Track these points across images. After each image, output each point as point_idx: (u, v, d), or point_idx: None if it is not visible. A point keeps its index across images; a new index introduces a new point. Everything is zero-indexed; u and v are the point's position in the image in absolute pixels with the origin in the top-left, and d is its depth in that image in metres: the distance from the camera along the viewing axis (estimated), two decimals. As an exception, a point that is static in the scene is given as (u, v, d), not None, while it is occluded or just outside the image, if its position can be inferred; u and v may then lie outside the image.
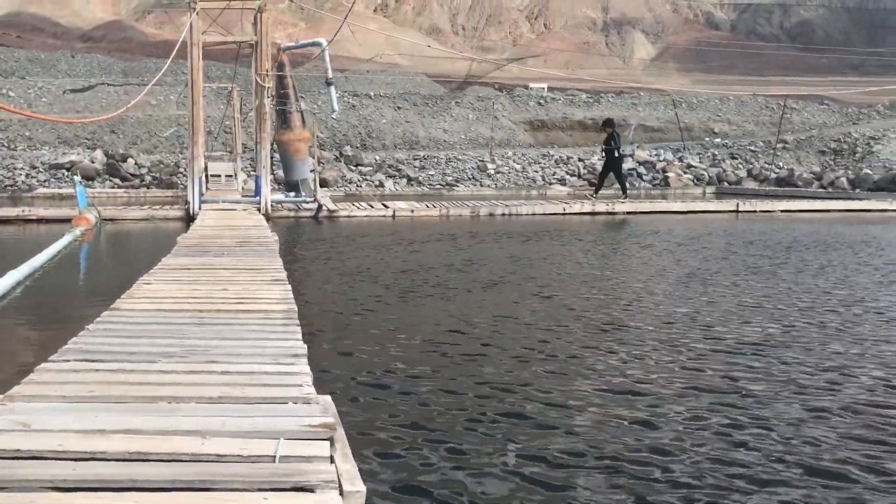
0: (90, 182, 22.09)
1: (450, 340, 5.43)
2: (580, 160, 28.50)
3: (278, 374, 3.47)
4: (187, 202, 14.58)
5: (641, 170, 27.98)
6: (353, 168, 26.34)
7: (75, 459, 2.47)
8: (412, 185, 25.54)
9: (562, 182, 26.89)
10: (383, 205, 16.28)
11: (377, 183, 25.05)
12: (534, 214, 16.11)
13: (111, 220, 14.06)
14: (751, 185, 26.00)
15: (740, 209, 17.24)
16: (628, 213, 16.55)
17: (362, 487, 2.42)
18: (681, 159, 29.03)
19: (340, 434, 2.83)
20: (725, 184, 26.56)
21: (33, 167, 24.05)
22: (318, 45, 16.93)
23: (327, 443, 2.67)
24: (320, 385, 3.54)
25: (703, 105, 38.04)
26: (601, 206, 16.77)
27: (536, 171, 27.98)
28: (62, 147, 26.84)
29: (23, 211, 14.35)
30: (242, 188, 20.07)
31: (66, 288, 8.21)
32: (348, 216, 15.20)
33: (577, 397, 4.19)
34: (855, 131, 30.42)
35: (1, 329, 6.10)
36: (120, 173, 23.89)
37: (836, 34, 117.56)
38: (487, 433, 3.65)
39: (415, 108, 33.99)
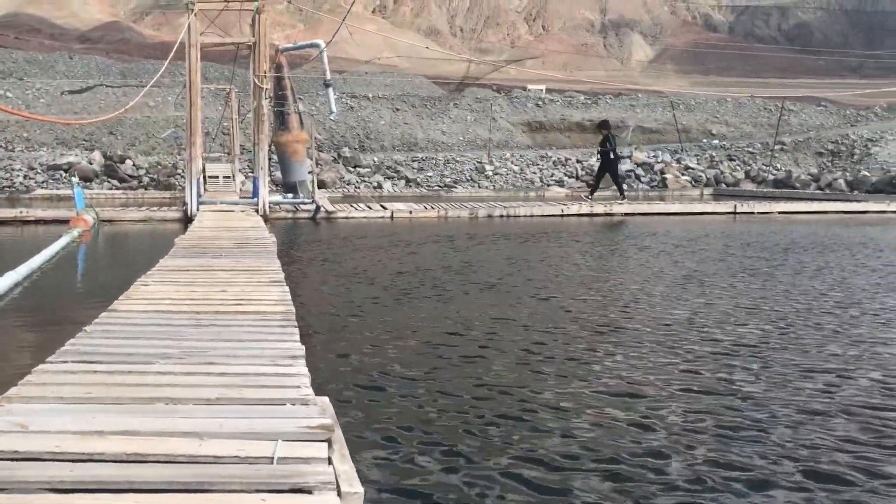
0: (88, 183, 22.07)
1: (447, 342, 5.43)
2: (578, 162, 28.52)
3: (276, 376, 3.47)
4: (185, 203, 14.57)
5: (639, 171, 28.00)
6: (352, 169, 26.33)
7: (73, 461, 2.46)
8: (410, 186, 25.54)
9: (560, 183, 26.90)
10: (381, 206, 16.28)
11: (375, 184, 25.04)
12: (532, 216, 16.12)
13: (109, 221, 14.05)
14: (748, 186, 26.03)
15: (738, 211, 17.26)
16: (626, 214, 16.56)
17: (360, 489, 2.42)
18: (679, 161, 29.05)
19: (338, 435, 2.83)
20: (723, 185, 26.58)
21: (31, 168, 24.03)
22: (316, 46, 16.92)
23: (325, 444, 2.67)
24: (318, 386, 3.55)
25: (701, 107, 38.07)
26: (599, 208, 16.79)
27: (534, 173, 27.99)
28: (60, 148, 26.82)
29: (21, 212, 14.33)
30: (240, 189, 20.04)
31: (64, 289, 8.20)
32: (346, 217, 15.20)
33: (574, 400, 4.20)
34: (853, 133, 30.47)
35: (-2, 330, 6.09)
36: (118, 174, 23.87)
37: (834, 36, 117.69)
38: (485, 435, 3.66)
39: (413, 110, 33.99)
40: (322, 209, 15.10)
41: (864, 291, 7.57)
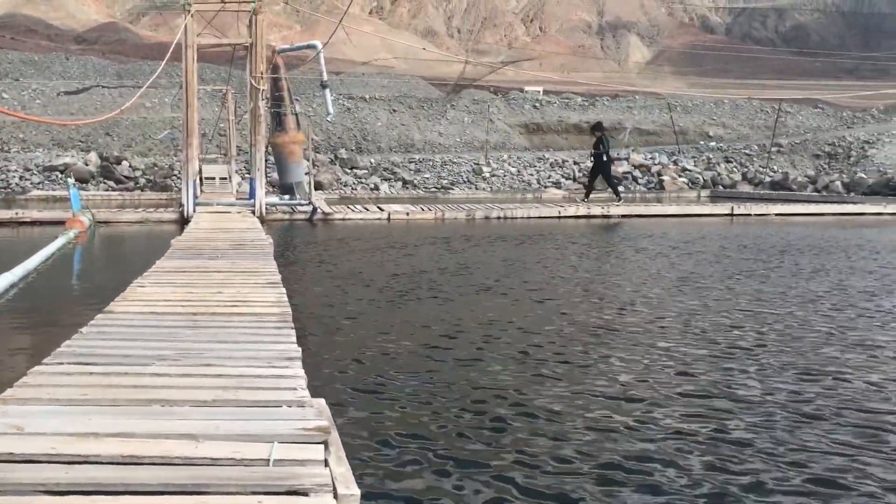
0: (84, 184, 22.04)
1: (444, 344, 5.43)
2: (575, 163, 28.55)
3: (272, 378, 3.46)
4: (181, 205, 14.55)
5: (636, 173, 28.04)
6: (348, 171, 26.33)
7: (68, 463, 2.46)
8: (407, 187, 25.55)
9: (557, 185, 26.93)
10: (378, 207, 16.27)
11: (372, 186, 25.04)
12: (529, 217, 16.12)
13: (105, 222, 14.04)
14: (745, 188, 26.07)
15: (735, 213, 17.29)
16: (623, 216, 16.58)
17: (357, 491, 2.42)
18: (676, 163, 29.10)
19: (335, 437, 2.83)
20: (720, 187, 26.62)
21: (27, 169, 23.99)
22: (313, 47, 16.91)
23: (321, 446, 2.67)
24: (314, 388, 3.54)
25: (698, 108, 38.13)
26: (596, 210, 16.80)
27: (531, 175, 28.01)
28: (56, 149, 26.78)
29: (16, 213, 14.31)
30: (237, 191, 20.03)
31: (60, 290, 8.19)
32: (343, 219, 15.19)
33: (570, 403, 4.19)
34: (849, 135, 30.53)
35: (-6, 332, 6.08)
36: (114, 176, 23.85)
37: (831, 38, 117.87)
38: (481, 437, 3.65)
39: (410, 111, 33.99)
40: (319, 211, 15.09)
41: (861, 293, 7.57)
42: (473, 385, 4.46)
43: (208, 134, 26.98)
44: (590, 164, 21.73)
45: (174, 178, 23.21)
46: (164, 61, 14.04)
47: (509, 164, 28.61)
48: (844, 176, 25.29)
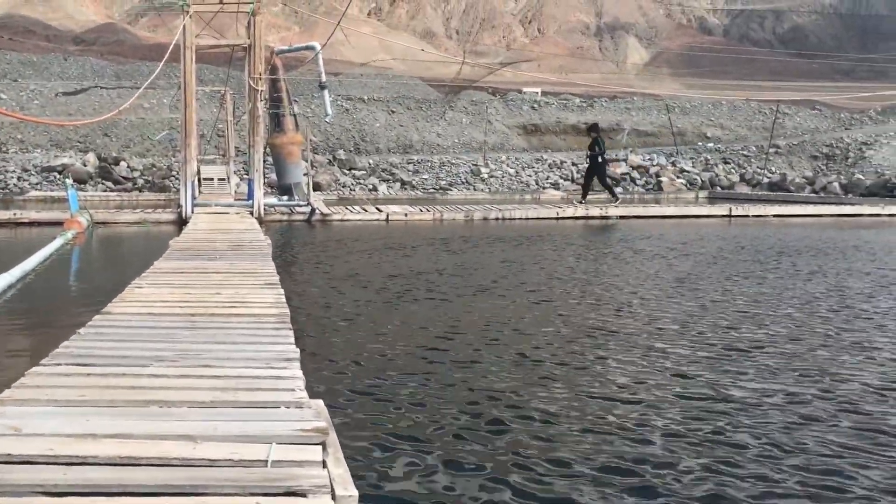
0: (82, 185, 22.03)
1: (442, 345, 5.43)
2: (574, 164, 28.57)
3: (271, 378, 3.46)
4: (180, 206, 14.55)
5: (635, 174, 28.07)
6: (347, 172, 26.34)
7: (66, 464, 2.46)
8: (406, 188, 25.56)
9: (555, 186, 26.94)
10: (377, 208, 16.28)
11: (371, 187, 25.05)
12: (527, 219, 16.13)
13: (103, 223, 14.03)
14: (743, 189, 26.10)
15: (733, 214, 17.31)
16: (621, 217, 16.59)
17: (355, 492, 2.42)
18: (674, 164, 29.13)
19: (333, 438, 2.83)
20: (718, 188, 26.65)
21: (25, 170, 23.98)
22: (311, 48, 16.91)
23: (320, 447, 2.67)
24: (313, 389, 3.54)
25: (696, 110, 38.16)
26: (594, 211, 16.81)
27: (530, 176, 28.03)
28: (54, 150, 26.76)
29: (14, 214, 14.30)
30: (235, 192, 20.03)
31: (58, 291, 8.18)
32: (341, 220, 15.19)
33: (568, 405, 4.19)
34: (847, 136, 30.58)
35: (-8, 332, 6.07)
36: (112, 176, 23.84)
37: (829, 40, 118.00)
38: (479, 439, 3.65)
39: (408, 112, 34.00)
40: (317, 211, 15.09)
41: (858, 295, 7.58)
42: (471, 386, 4.46)
43: (207, 135, 26.98)
44: (586, 166, 21.72)
45: (172, 178, 23.19)
46: (163, 62, 14.04)
47: (507, 165, 28.62)
48: (842, 177, 25.32)
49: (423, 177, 26.92)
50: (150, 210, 16.10)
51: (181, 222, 13.41)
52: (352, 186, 24.94)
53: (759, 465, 3.36)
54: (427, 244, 11.86)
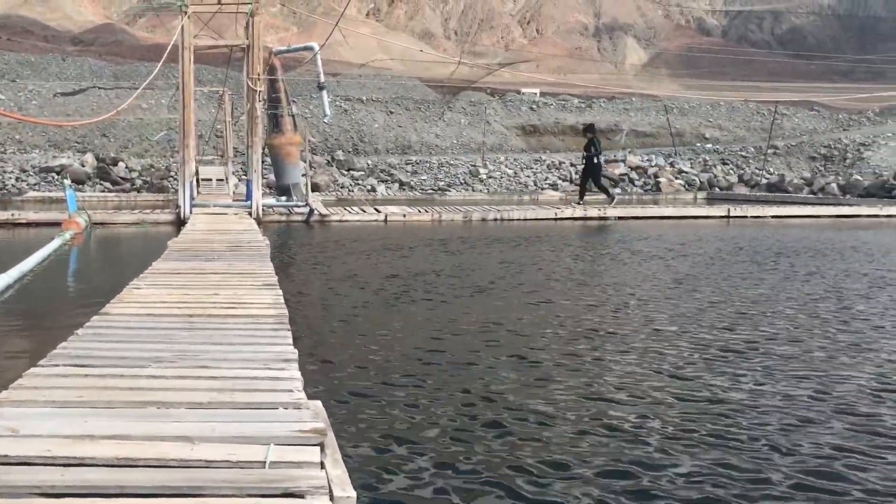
0: (80, 186, 22.02)
1: (440, 347, 5.43)
2: (572, 165, 28.58)
3: (269, 379, 3.46)
4: (178, 206, 14.53)
5: (633, 175, 28.08)
6: (345, 172, 26.34)
7: (64, 465, 2.45)
8: (404, 189, 25.57)
9: (553, 187, 26.96)
10: (375, 209, 16.27)
11: (369, 187, 25.05)
12: (525, 219, 16.13)
13: (101, 224, 14.01)
14: (742, 190, 26.13)
15: (731, 215, 17.32)
16: (619, 218, 16.59)
17: (352, 493, 2.42)
18: (672, 164, 29.15)
19: (331, 439, 2.83)
20: (716, 189, 26.67)
21: (23, 170, 23.97)
22: (310, 49, 16.91)
23: (317, 448, 2.67)
24: (311, 390, 3.54)
25: (695, 110, 38.20)
26: (593, 212, 16.81)
27: (528, 176, 28.04)
28: (52, 150, 26.75)
29: (12, 215, 14.28)
30: (233, 192, 20.02)
31: (56, 292, 8.17)
32: (340, 221, 15.19)
33: (565, 406, 4.19)
34: (845, 137, 30.62)
35: (-10, 333, 6.06)
36: (110, 177, 23.83)
37: (827, 41, 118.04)
38: (477, 440, 3.65)
39: (407, 113, 34.01)
40: (315, 212, 15.08)
41: (856, 296, 7.58)
42: (469, 388, 4.46)
43: (205, 135, 26.98)
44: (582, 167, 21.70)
45: (171, 179, 23.19)
46: (161, 63, 14.03)
47: (506, 166, 28.64)
48: (840, 178, 25.35)
49: (422, 177, 26.92)
50: (148, 211, 16.09)
51: (179, 223, 13.40)
52: (350, 187, 24.94)
53: (756, 467, 3.36)
54: (425, 245, 11.86)
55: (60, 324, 5.64)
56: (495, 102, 37.83)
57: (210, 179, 22.04)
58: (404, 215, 15.72)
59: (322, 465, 2.56)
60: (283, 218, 15.33)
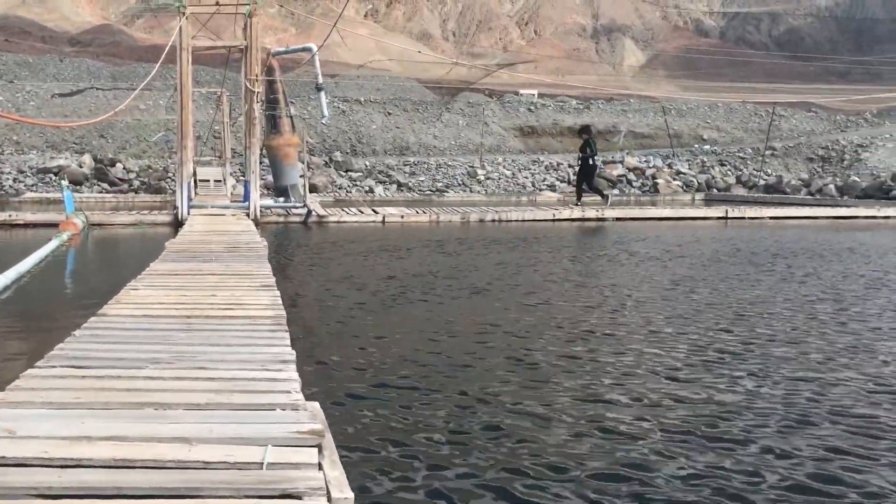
0: (78, 187, 22.01)
1: (437, 348, 5.44)
2: (570, 166, 28.59)
3: (266, 381, 3.46)
4: (176, 207, 14.52)
5: (631, 176, 28.10)
6: (343, 173, 26.34)
7: (61, 466, 2.45)
8: (402, 190, 25.57)
9: (551, 188, 26.97)
10: (373, 210, 16.27)
11: (367, 188, 25.05)
12: (523, 220, 16.13)
13: (99, 225, 14.00)
14: (740, 191, 26.15)
15: (729, 216, 17.33)
16: (617, 219, 16.59)
17: (350, 494, 2.42)
18: (670, 166, 29.17)
19: (328, 441, 2.82)
20: (714, 190, 26.69)
21: (21, 171, 23.95)
22: (308, 50, 16.91)
23: (315, 449, 2.67)
24: (308, 391, 3.53)
25: (693, 112, 38.22)
26: (590, 213, 16.82)
27: (526, 177, 28.05)
28: (50, 151, 26.73)
29: (10, 216, 14.26)
30: (231, 193, 20.01)
31: (53, 293, 8.17)
32: (338, 222, 15.18)
33: (562, 407, 4.20)
34: (843, 139, 30.65)
35: (-13, 334, 6.06)
36: (108, 178, 23.82)
37: (824, 42, 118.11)
38: (474, 442, 3.65)
39: (405, 114, 34.02)
40: (313, 213, 15.08)
41: (853, 297, 7.59)
42: (466, 389, 4.46)
43: (203, 136, 26.95)
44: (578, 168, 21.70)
45: (168, 180, 23.19)
46: (159, 63, 14.02)
47: (504, 167, 28.64)
48: (838, 179, 25.37)
49: (420, 178, 26.92)
50: (145, 212, 16.07)
51: (177, 224, 13.39)
52: (348, 188, 24.94)
53: (752, 469, 3.36)
54: (423, 246, 11.86)
55: (58, 325, 5.63)
56: (493, 103, 37.84)
57: (208, 180, 22.03)
58: (402, 216, 15.72)
59: (320, 467, 2.56)
60: (281, 219, 15.33)
